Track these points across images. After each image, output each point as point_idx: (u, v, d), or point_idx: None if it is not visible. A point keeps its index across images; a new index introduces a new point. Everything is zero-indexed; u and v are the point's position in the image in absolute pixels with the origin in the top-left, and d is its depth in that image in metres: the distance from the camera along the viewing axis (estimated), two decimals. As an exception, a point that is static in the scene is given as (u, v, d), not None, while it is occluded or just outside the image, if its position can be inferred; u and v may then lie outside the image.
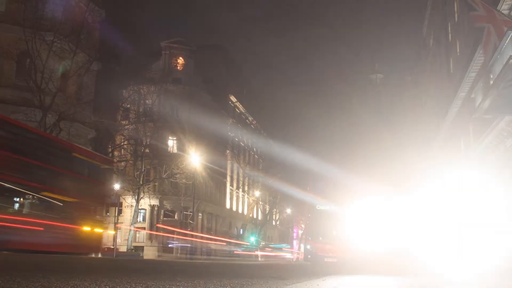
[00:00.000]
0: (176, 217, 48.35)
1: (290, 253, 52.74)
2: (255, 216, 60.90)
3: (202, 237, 44.83)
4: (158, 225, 46.86)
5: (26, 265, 9.00)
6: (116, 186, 42.19)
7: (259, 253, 44.17)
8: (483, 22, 12.21)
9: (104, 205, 27.36)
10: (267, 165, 51.25)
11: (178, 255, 45.04)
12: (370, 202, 24.28)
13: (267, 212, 57.14)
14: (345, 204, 24.80)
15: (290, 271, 14.01)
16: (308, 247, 26.61)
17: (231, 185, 59.47)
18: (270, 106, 51.48)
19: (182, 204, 46.46)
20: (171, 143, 48.69)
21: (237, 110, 57.81)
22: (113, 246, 37.01)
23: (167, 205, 48.45)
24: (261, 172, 52.56)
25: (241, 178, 58.22)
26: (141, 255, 41.44)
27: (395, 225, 23.49)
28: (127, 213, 45.97)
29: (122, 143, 42.27)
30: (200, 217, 50.30)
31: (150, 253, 45.93)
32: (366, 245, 22.98)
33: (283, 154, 45.00)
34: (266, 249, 47.61)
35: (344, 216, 24.49)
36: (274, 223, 64.39)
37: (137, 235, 46.20)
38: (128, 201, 43.79)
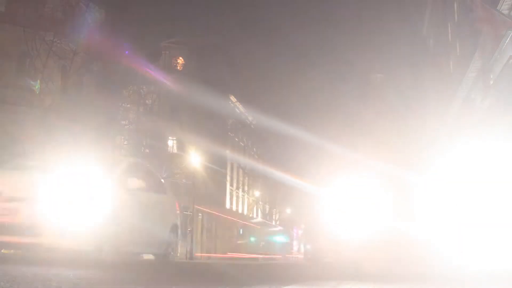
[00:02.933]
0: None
1: None
2: (255, 216, 60.86)
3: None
4: None
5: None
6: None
7: None
8: (481, 24, 12.22)
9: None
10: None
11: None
12: (372, 190, 23.12)
13: (267, 212, 57.08)
14: (344, 197, 24.01)
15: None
16: (308, 247, 26.46)
17: (231, 185, 59.43)
18: (268, 105, 51.35)
19: (181, 204, 46.37)
20: (171, 143, 48.64)
21: (237, 110, 57.72)
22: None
23: (167, 205, 48.35)
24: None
25: (241, 178, 58.14)
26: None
27: (402, 214, 22.20)
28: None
29: (122, 143, 42.22)
30: (200, 217, 50.24)
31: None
32: (370, 242, 22.03)
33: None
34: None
35: (343, 214, 23.96)
36: (274, 223, 64.34)
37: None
38: (128, 201, 43.69)
